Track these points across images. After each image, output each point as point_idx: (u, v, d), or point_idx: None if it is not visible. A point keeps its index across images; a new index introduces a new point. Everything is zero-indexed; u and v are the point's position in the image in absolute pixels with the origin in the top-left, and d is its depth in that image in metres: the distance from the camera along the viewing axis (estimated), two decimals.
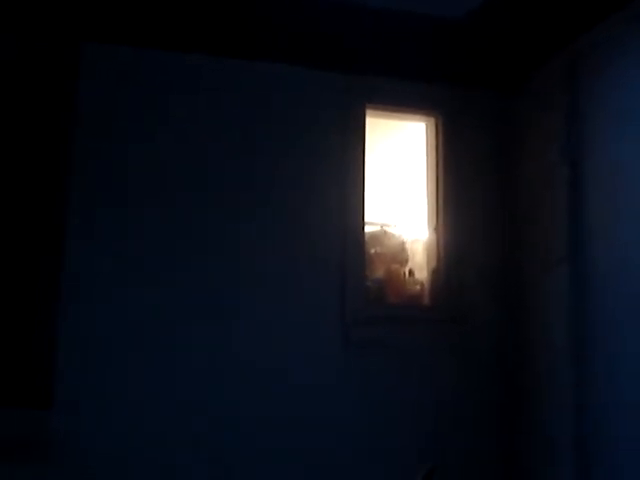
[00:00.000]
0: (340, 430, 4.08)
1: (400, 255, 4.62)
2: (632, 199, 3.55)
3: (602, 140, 3.80)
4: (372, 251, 4.54)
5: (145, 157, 4.07)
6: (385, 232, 4.64)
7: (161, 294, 3.96)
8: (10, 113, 3.92)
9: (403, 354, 4.24)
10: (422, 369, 4.26)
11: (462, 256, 4.44)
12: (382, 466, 4.06)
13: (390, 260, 4.58)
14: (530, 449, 4.14)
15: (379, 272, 4.53)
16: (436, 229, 4.51)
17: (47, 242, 3.87)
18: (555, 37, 3.95)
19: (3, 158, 3.88)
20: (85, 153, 3.98)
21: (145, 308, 3.93)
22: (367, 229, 4.44)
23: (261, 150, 4.25)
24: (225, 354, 3.99)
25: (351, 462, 4.05)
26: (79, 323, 3.82)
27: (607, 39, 3.75)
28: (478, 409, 4.31)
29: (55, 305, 3.82)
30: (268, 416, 3.97)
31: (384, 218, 4.69)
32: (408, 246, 4.65)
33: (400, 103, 4.59)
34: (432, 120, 4.62)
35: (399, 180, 4.94)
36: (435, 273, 4.49)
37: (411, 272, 4.57)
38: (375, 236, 4.60)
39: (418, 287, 4.55)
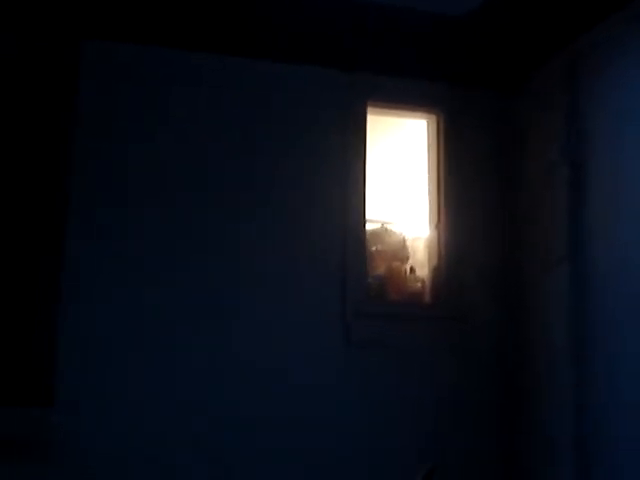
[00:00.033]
0: (340, 430, 4.08)
1: (401, 252, 4.61)
2: (632, 199, 3.55)
3: (602, 140, 3.79)
4: (373, 249, 4.53)
5: (145, 157, 4.07)
6: (386, 229, 4.63)
7: (161, 294, 3.96)
8: (10, 113, 3.91)
9: (403, 353, 4.24)
10: (422, 368, 4.26)
11: (463, 254, 4.44)
12: (382, 466, 4.07)
13: (391, 257, 4.58)
14: (530, 449, 4.14)
15: (380, 269, 4.53)
16: (437, 227, 4.50)
17: (47, 242, 3.86)
18: (555, 37, 3.94)
19: (3, 158, 3.87)
20: (85, 153, 3.97)
21: (145, 308, 3.93)
22: (368, 226, 4.43)
23: (261, 149, 4.24)
24: (225, 354, 3.99)
25: (351, 462, 4.06)
26: (79, 323, 3.82)
27: (607, 39, 3.74)
28: (478, 408, 4.31)
29: (55, 305, 3.82)
30: (268, 416, 3.98)
31: (385, 215, 4.68)
32: (409, 244, 4.64)
33: (401, 101, 4.58)
34: (433, 118, 4.62)
35: (400, 178, 4.93)
36: (436, 271, 4.49)
37: (412, 269, 4.56)
38: (376, 233, 4.59)
39: (419, 285, 4.54)
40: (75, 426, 3.72)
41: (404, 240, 4.64)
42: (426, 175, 4.63)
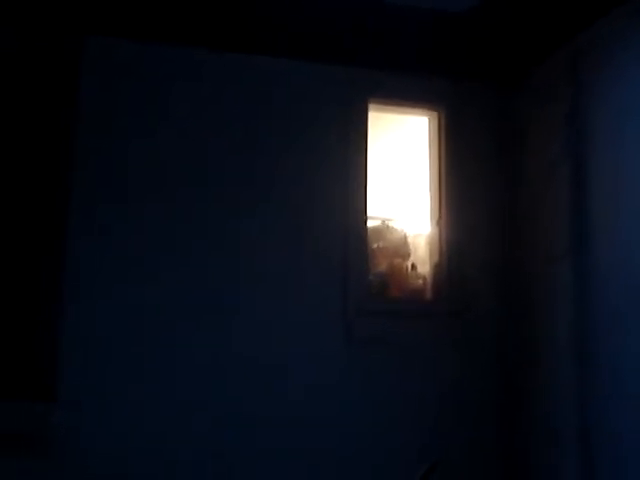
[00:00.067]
0: (342, 428, 4.08)
1: (402, 249, 4.60)
2: (634, 194, 3.54)
3: (604, 135, 3.78)
4: (374, 246, 4.53)
5: (146, 154, 4.06)
6: (387, 226, 4.62)
7: (162, 292, 3.95)
8: (11, 109, 3.91)
9: (405, 350, 4.24)
10: (424, 365, 4.26)
11: (464, 250, 4.44)
12: (384, 463, 4.06)
13: (392, 254, 4.57)
14: (533, 443, 4.13)
15: (381, 266, 4.52)
16: (438, 223, 4.50)
17: (48, 240, 3.87)
18: (556, 33, 3.94)
19: (4, 155, 3.87)
20: (86, 149, 3.97)
21: (146, 305, 3.92)
22: (369, 223, 4.43)
23: (262, 146, 4.24)
24: (226, 352, 3.98)
25: (353, 460, 4.05)
26: (80, 320, 3.81)
27: (608, 34, 3.73)
28: (481, 404, 4.31)
29: (56, 302, 3.82)
30: (269, 414, 3.97)
31: (386, 212, 4.67)
32: (410, 240, 4.64)
33: (403, 97, 4.57)
34: (435, 114, 4.61)
35: (401, 174, 4.92)
36: (437, 267, 4.48)
37: (413, 266, 4.56)
38: (377, 230, 4.58)
39: (420, 281, 4.53)
40: (76, 424, 3.71)
41: (405, 237, 4.63)
42: (427, 172, 4.62)
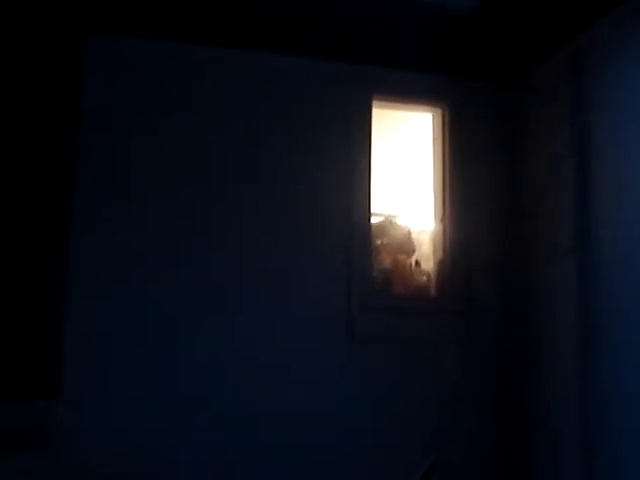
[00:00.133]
0: (344, 425, 4.08)
1: (406, 245, 4.60)
2: (635, 192, 3.53)
3: (606, 132, 3.77)
4: (378, 242, 4.53)
5: (148, 151, 4.06)
6: (391, 222, 4.62)
7: (164, 289, 3.96)
8: (14, 108, 3.91)
9: (408, 347, 4.24)
10: (427, 362, 4.26)
11: (467, 247, 4.43)
12: (386, 461, 4.07)
13: (396, 251, 4.57)
14: (535, 442, 4.13)
15: (385, 263, 4.52)
16: (442, 220, 4.49)
17: (52, 238, 3.87)
18: (559, 30, 3.92)
19: (8, 154, 3.88)
20: (89, 147, 3.97)
21: (148, 303, 3.93)
22: (373, 220, 4.42)
23: (265, 143, 4.23)
24: (228, 350, 3.99)
25: (355, 457, 4.06)
26: (82, 319, 3.82)
27: (609, 34, 3.72)
28: (483, 401, 4.31)
29: (58, 301, 3.83)
30: (271, 412, 3.98)
31: (390, 208, 4.66)
32: (414, 236, 4.63)
33: (406, 94, 4.57)
34: (438, 111, 4.60)
35: (405, 171, 4.91)
36: (441, 264, 4.48)
37: (417, 263, 4.56)
38: (381, 226, 4.58)
39: (424, 278, 4.53)
40: (78, 422, 3.73)
41: (409, 233, 4.62)
42: (431, 168, 4.61)
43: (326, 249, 4.23)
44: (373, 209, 4.37)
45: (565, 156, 3.95)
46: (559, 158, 4.00)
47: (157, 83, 4.13)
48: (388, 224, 4.60)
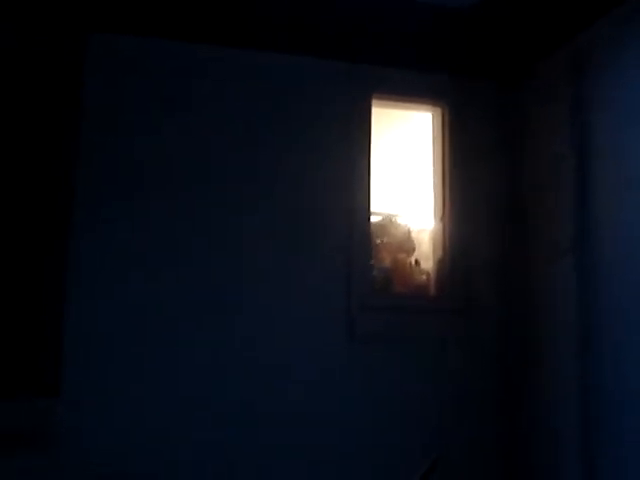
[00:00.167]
0: (344, 425, 4.08)
1: (406, 244, 4.60)
2: (635, 191, 3.53)
3: (606, 132, 3.77)
4: (378, 241, 4.53)
5: (149, 151, 4.06)
6: (391, 221, 4.62)
7: (164, 289, 3.96)
8: (15, 107, 3.92)
9: (408, 347, 4.25)
10: (426, 362, 4.26)
11: (467, 246, 4.43)
12: (386, 461, 4.07)
13: (396, 249, 4.57)
14: (535, 441, 4.13)
15: (385, 262, 4.52)
16: (442, 219, 4.49)
17: (52, 237, 3.87)
18: (559, 29, 3.92)
19: (9, 153, 3.88)
20: (90, 146, 3.97)
21: (148, 304, 3.93)
22: (373, 219, 4.42)
23: (265, 142, 4.23)
24: (228, 350, 3.99)
25: (355, 457, 4.06)
26: (82, 319, 3.82)
27: (609, 34, 3.72)
28: (483, 400, 4.31)
29: (59, 300, 3.83)
30: (271, 412, 3.98)
31: (390, 208, 4.66)
32: (414, 235, 4.63)
33: (406, 93, 4.57)
34: (438, 110, 4.60)
35: (405, 170, 4.90)
36: (441, 263, 4.47)
37: (417, 262, 4.56)
38: (381, 225, 4.58)
39: (424, 277, 4.53)
40: (78, 422, 3.73)
41: (409, 232, 4.62)
42: (431, 167, 4.61)
43: (326, 249, 4.23)
44: (373, 208, 4.38)
45: (565, 156, 3.96)
46: (559, 158, 4.01)
47: (157, 82, 4.13)
48: (388, 223, 4.60)
